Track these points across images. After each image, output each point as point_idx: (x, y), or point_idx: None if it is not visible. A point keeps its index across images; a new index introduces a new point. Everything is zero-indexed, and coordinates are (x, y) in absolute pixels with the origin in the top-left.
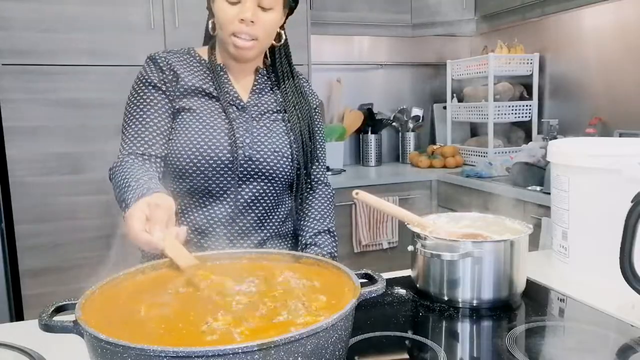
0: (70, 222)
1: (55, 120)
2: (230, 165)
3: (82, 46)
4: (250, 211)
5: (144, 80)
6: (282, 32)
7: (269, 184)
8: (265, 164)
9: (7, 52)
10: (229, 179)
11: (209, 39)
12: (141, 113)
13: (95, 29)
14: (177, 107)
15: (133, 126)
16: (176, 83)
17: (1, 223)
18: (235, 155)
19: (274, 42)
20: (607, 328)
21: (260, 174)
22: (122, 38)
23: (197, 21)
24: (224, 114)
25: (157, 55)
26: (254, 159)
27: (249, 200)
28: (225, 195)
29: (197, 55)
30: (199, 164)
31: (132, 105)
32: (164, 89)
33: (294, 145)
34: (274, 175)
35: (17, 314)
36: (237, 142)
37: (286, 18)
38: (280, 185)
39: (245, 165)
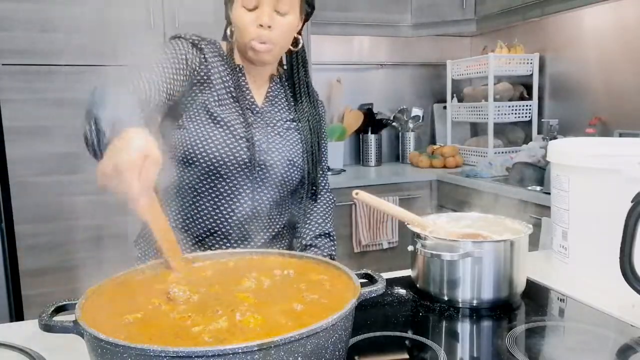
0: (70, 222)
1: (55, 120)
2: (246, 169)
3: (82, 46)
4: (259, 217)
5: (177, 48)
6: (300, 37)
7: (277, 192)
8: (276, 170)
9: (7, 52)
10: (243, 182)
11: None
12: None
13: (95, 29)
14: (198, 98)
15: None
16: (206, 70)
17: (1, 223)
18: (253, 157)
19: (291, 47)
20: (607, 328)
21: (272, 180)
22: (122, 38)
23: (197, 21)
24: (242, 116)
25: (190, 36)
26: (267, 164)
27: (264, 207)
28: (239, 199)
29: (220, 49)
30: (216, 163)
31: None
32: (196, 63)
33: (305, 156)
34: (284, 182)
35: (17, 314)
36: (255, 145)
37: (303, 24)
38: (287, 193)
39: (258, 169)
